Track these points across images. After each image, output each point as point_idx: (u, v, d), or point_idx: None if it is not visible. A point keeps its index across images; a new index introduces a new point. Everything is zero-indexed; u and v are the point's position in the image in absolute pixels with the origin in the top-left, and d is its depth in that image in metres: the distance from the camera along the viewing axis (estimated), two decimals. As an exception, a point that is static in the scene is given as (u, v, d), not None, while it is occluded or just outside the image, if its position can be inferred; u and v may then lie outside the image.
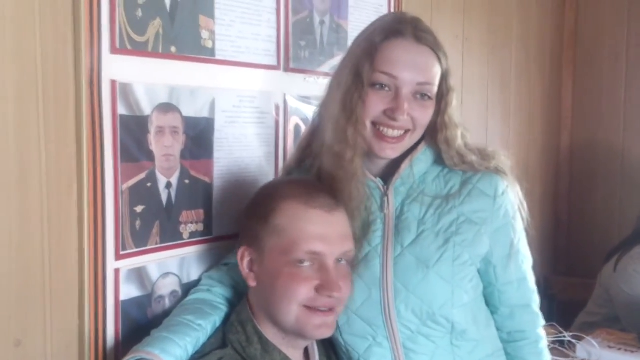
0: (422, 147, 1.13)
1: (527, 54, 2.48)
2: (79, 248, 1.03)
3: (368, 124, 1.06)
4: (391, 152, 1.08)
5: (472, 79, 2.13)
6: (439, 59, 1.08)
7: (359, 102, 1.05)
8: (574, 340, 1.69)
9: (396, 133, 1.07)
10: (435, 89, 1.08)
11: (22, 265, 0.97)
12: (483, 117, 2.22)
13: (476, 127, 2.18)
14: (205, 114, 1.23)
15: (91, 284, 1.04)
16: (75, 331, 1.04)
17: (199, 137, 1.22)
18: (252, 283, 1.06)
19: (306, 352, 1.12)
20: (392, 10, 1.70)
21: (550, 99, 2.69)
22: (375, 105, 1.05)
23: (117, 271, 1.08)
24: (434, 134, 1.11)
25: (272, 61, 1.36)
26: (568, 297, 2.49)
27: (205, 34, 1.21)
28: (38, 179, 0.98)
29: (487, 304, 1.18)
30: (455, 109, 1.12)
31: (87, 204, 1.03)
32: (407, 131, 1.07)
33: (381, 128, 1.07)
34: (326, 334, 1.05)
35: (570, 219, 2.83)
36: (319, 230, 1.02)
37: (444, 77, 1.10)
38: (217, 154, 1.25)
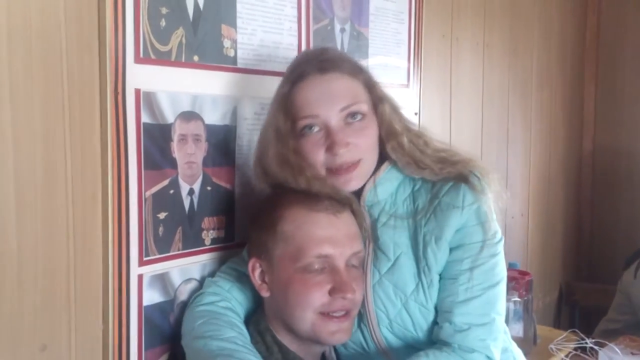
0: (386, 167, 1.09)
1: (548, 59, 2.46)
2: (104, 254, 1.05)
3: (321, 170, 1.05)
4: (354, 182, 1.06)
5: (493, 85, 2.12)
6: (353, 76, 1.05)
7: (291, 155, 1.04)
8: (596, 347, 1.67)
9: (349, 165, 1.04)
10: (363, 105, 1.05)
11: (48, 271, 0.98)
12: (504, 124, 2.21)
13: (497, 134, 2.17)
14: (227, 121, 1.24)
15: (115, 289, 1.05)
16: (99, 336, 1.05)
17: (220, 145, 1.23)
18: (265, 294, 1.06)
19: (323, 356, 1.12)
20: (413, 17, 1.70)
21: (572, 104, 2.67)
22: (315, 152, 1.04)
23: (140, 277, 1.10)
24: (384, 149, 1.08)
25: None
26: (590, 303, 2.46)
27: (227, 43, 1.23)
28: (64, 187, 1.00)
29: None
30: (394, 115, 1.08)
31: (111, 211, 1.05)
32: (359, 160, 1.05)
33: (333, 168, 1.05)
34: (342, 339, 1.05)
35: (592, 225, 2.80)
36: (327, 233, 1.02)
37: (369, 89, 1.07)
38: (238, 161, 1.26)
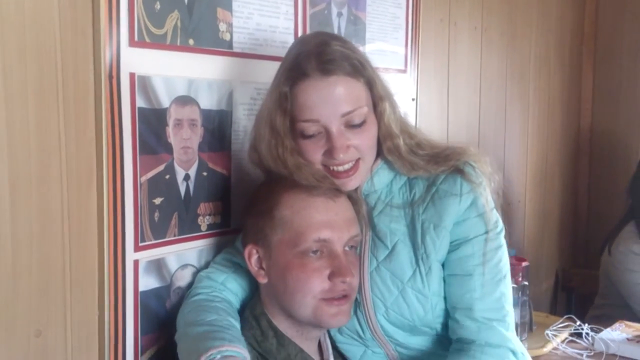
0: (380, 160, 1.09)
1: (546, 44, 2.44)
2: (99, 240, 1.04)
3: (320, 166, 1.05)
4: (352, 183, 1.06)
5: (491, 70, 2.10)
6: (355, 77, 1.03)
7: (288, 155, 1.03)
8: (592, 333, 1.67)
9: (347, 166, 1.05)
10: (364, 109, 1.03)
11: (43, 256, 0.98)
12: (502, 109, 2.20)
13: (494, 119, 2.16)
14: (223, 106, 1.23)
15: (111, 275, 1.05)
16: (95, 322, 1.05)
17: (216, 130, 1.22)
18: (262, 280, 1.06)
19: (319, 345, 1.12)
20: (410, 2, 1.68)
21: (569, 90, 2.66)
22: (314, 153, 1.04)
23: (136, 262, 1.09)
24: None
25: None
26: (587, 289, 2.47)
27: (222, 27, 1.21)
28: (58, 173, 0.99)
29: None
30: (391, 116, 1.07)
31: (106, 196, 1.04)
32: (357, 159, 1.05)
33: (331, 167, 1.05)
34: (343, 321, 1.05)
35: (589, 211, 2.80)
36: (325, 218, 1.01)
37: (370, 88, 1.06)
38: (234, 147, 1.25)
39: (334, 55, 1.02)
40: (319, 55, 1.02)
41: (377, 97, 1.07)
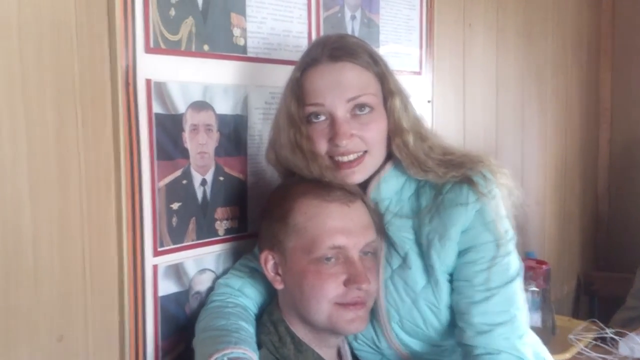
0: (390, 166, 1.07)
1: (563, 44, 2.42)
2: (118, 245, 1.05)
3: (325, 157, 1.04)
4: (356, 176, 1.03)
5: (508, 71, 2.09)
6: (366, 67, 1.02)
7: (304, 141, 1.03)
8: (616, 337, 1.64)
9: (351, 157, 1.03)
10: (371, 98, 1.02)
11: (63, 261, 0.99)
12: (519, 111, 2.18)
13: (512, 121, 2.14)
14: (238, 111, 1.23)
15: (130, 280, 1.05)
16: (116, 326, 1.06)
17: (232, 134, 1.22)
18: (279, 286, 1.05)
19: (338, 352, 1.11)
20: (424, 3, 1.68)
21: (588, 90, 2.63)
22: (319, 138, 1.03)
23: (155, 267, 1.10)
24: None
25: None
26: (609, 292, 2.43)
27: (237, 32, 1.22)
28: (77, 179, 1.00)
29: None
30: (403, 112, 1.04)
31: (124, 202, 1.05)
32: (365, 152, 1.03)
33: (336, 157, 1.03)
34: (360, 328, 1.03)
35: (610, 213, 2.76)
36: (339, 224, 1.00)
37: (382, 82, 1.04)
38: (250, 151, 1.26)
39: (346, 44, 1.04)
40: (332, 43, 1.04)
41: (388, 91, 1.05)
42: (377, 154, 1.05)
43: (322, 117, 1.03)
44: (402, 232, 1.06)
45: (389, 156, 1.08)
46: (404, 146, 1.04)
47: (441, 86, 1.79)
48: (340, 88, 1.01)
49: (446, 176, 1.03)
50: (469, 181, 1.02)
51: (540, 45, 2.27)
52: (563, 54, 2.42)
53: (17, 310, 0.94)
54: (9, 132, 0.92)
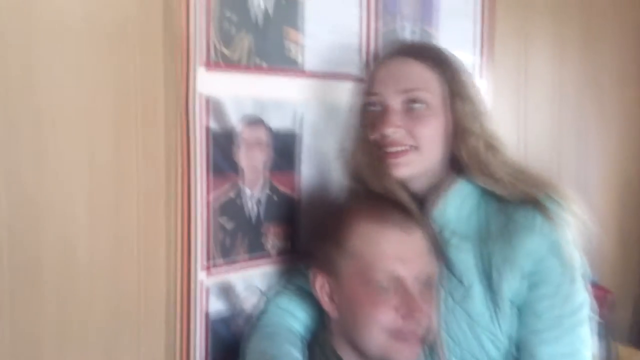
0: (455, 183, 1.03)
1: (626, 55, 2.30)
2: (169, 264, 1.04)
3: (375, 149, 1.02)
4: (400, 169, 1.00)
5: (568, 82, 2.00)
6: (430, 67, 1.01)
7: (360, 129, 1.06)
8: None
9: (398, 149, 1.00)
10: (428, 95, 0.99)
11: (117, 280, 0.99)
12: (580, 124, 2.08)
13: (572, 132, 2.05)
14: (292, 126, 1.21)
15: (180, 299, 1.05)
16: (165, 345, 1.05)
17: (285, 150, 1.20)
18: (334, 314, 1.01)
19: None
20: (484, 15, 1.62)
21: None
22: (371, 126, 1.02)
23: (204, 287, 1.08)
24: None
25: (359, 70, 1.33)
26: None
27: (293, 47, 1.20)
28: (133, 196, 1.00)
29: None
30: (470, 117, 1.01)
31: (177, 219, 1.04)
32: (412, 147, 1.00)
33: (383, 148, 1.01)
34: None
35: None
36: (397, 251, 0.96)
37: (448, 83, 1.01)
38: (303, 167, 1.23)
39: (417, 44, 1.08)
40: (405, 43, 1.09)
41: (456, 94, 1.02)
42: (427, 154, 1.01)
43: (378, 107, 1.03)
44: (465, 257, 1.01)
45: (454, 171, 1.04)
46: (473, 151, 1.01)
47: (499, 98, 1.72)
48: (396, 79, 1.01)
49: (515, 188, 0.99)
50: (540, 206, 0.97)
51: (602, 57, 2.16)
52: (626, 66, 2.30)
53: (70, 326, 0.94)
54: (68, 149, 0.93)
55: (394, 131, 0.99)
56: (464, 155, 1.02)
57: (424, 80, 1.01)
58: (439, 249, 1.03)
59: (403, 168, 1.00)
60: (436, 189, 1.04)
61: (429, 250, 1.00)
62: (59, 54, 0.91)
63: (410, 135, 0.99)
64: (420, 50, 1.05)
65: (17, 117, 0.88)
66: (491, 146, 1.02)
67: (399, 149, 1.00)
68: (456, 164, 1.04)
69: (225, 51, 1.08)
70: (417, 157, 1.00)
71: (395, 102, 1.00)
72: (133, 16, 0.98)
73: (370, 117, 1.04)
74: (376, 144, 1.02)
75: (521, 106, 1.82)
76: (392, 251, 0.96)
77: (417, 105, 0.99)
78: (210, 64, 1.06)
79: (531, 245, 0.96)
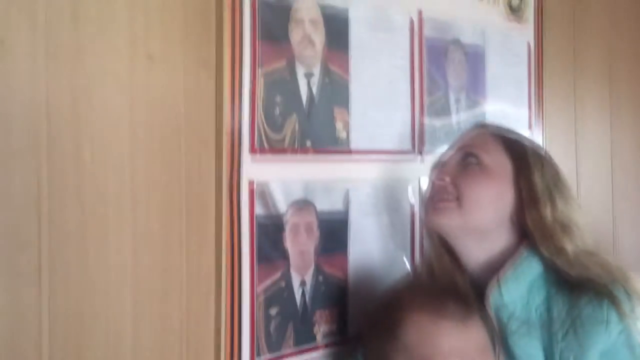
0: (521, 250, 0.97)
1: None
2: (215, 355, 1.00)
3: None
4: (437, 215, 1.00)
5: (623, 142, 1.92)
6: (496, 136, 1.03)
7: None
8: None
9: (441, 196, 1.00)
10: (484, 155, 1.00)
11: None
12: (635, 189, 1.99)
13: (630, 201, 1.96)
14: (339, 207, 1.18)
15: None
16: None
17: (333, 232, 1.17)
18: None
19: None
20: (532, 82, 1.59)
21: None
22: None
23: (252, 379, 1.04)
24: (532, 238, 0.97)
25: (407, 146, 1.30)
26: None
27: (339, 125, 1.18)
28: (179, 286, 0.97)
29: None
30: (540, 186, 0.98)
31: (224, 309, 1.00)
32: (455, 198, 0.98)
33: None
34: None
35: None
36: (454, 345, 0.91)
37: (514, 153, 1.01)
38: (351, 249, 1.19)
39: (493, 123, 1.11)
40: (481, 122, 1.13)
41: (524, 165, 1.00)
42: (469, 210, 0.98)
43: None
44: (529, 348, 0.95)
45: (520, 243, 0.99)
46: (538, 219, 0.97)
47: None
48: (462, 142, 1.05)
49: (582, 270, 0.94)
50: (609, 296, 0.92)
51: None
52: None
53: None
54: (115, 240, 0.91)
55: (441, 179, 1.01)
56: (529, 224, 0.98)
57: (485, 142, 1.02)
58: (499, 340, 0.97)
59: (440, 215, 1.00)
60: (496, 263, 0.99)
61: (487, 344, 0.94)
62: (107, 147, 0.90)
63: (455, 186, 0.99)
64: (494, 126, 1.08)
65: (63, 216, 0.86)
66: (560, 219, 0.98)
67: (442, 196, 1.00)
68: (525, 240, 0.99)
69: (272, 134, 1.07)
70: (457, 210, 0.98)
71: (452, 158, 1.02)
72: (188, 105, 0.98)
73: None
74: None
75: (572, 171, 1.76)
76: (448, 345, 0.91)
77: (470, 160, 1.00)
78: (256, 150, 1.04)
79: (600, 338, 0.91)
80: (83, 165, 0.88)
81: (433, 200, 1.01)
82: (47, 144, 0.84)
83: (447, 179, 1.00)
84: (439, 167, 1.04)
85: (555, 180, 1.01)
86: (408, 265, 1.27)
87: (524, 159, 1.00)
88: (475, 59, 1.45)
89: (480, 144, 1.02)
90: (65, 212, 0.86)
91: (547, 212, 0.97)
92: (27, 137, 0.83)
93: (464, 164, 1.00)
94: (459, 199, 0.98)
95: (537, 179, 0.99)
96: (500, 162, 1.00)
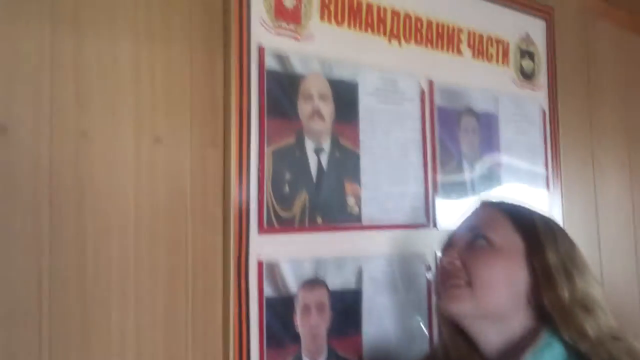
0: (541, 333, 0.91)
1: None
2: None
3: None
4: (450, 302, 0.92)
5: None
6: (505, 214, 0.96)
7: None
8: None
9: (452, 282, 0.93)
10: (495, 235, 0.93)
11: None
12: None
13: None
14: (352, 285, 1.13)
15: None
16: None
17: (346, 311, 1.11)
18: None
19: None
20: (549, 147, 1.55)
21: None
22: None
23: None
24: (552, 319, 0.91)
25: (421, 219, 1.26)
26: None
27: (351, 200, 1.15)
28: (184, 375, 0.93)
29: None
30: (557, 267, 0.92)
31: (231, 399, 0.95)
32: (466, 283, 0.92)
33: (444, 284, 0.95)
34: None
35: None
36: None
37: (526, 232, 0.94)
38: (365, 328, 1.14)
39: (507, 201, 1.01)
40: (495, 200, 1.02)
41: (537, 243, 0.94)
42: (481, 294, 0.92)
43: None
44: None
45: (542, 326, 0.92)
46: (556, 299, 0.90)
47: (570, 229, 1.61)
48: (472, 223, 0.98)
49: (603, 351, 0.87)
50: None
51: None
52: None
53: None
54: (117, 326, 0.87)
55: (450, 262, 0.94)
56: (547, 306, 0.91)
57: (493, 221, 0.96)
58: None
59: (452, 302, 0.93)
60: (516, 348, 0.93)
61: None
62: (111, 232, 0.88)
63: (465, 269, 0.93)
64: (505, 204, 1.00)
65: (65, 295, 0.83)
66: (579, 299, 0.91)
67: (453, 282, 0.94)
68: (545, 323, 0.93)
69: (281, 212, 1.04)
70: (469, 295, 0.92)
71: (461, 240, 0.96)
72: (194, 183, 0.96)
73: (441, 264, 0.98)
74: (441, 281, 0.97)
75: (594, 233, 1.70)
76: None
77: (479, 242, 0.94)
78: (265, 228, 1.01)
79: None
80: (85, 250, 0.85)
81: (445, 286, 0.95)
82: (49, 232, 0.82)
83: (457, 262, 0.94)
84: (448, 249, 0.99)
85: (570, 255, 0.96)
86: (426, 347, 1.21)
87: (535, 235, 0.95)
88: (488, 126, 1.42)
89: (488, 223, 0.97)
90: (67, 299, 0.83)
91: (565, 293, 0.90)
92: (29, 225, 0.81)
93: (473, 245, 0.95)
94: (470, 283, 0.93)
95: (551, 256, 0.93)
96: (510, 241, 0.95)
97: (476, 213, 1.00)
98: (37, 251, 0.81)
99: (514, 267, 0.94)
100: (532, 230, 0.96)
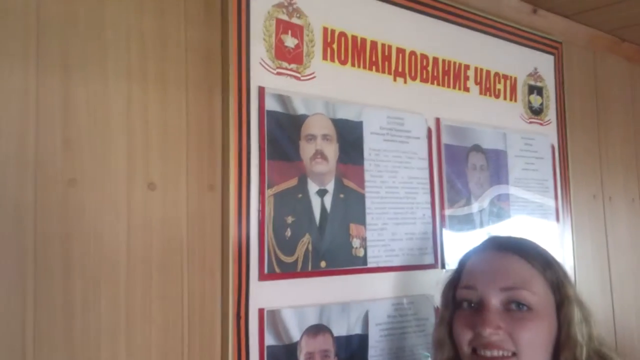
0: None
1: None
2: None
3: (467, 349, 0.89)
4: None
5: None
6: (533, 265, 0.90)
7: (450, 329, 0.92)
8: None
9: (495, 353, 0.86)
10: (531, 296, 0.88)
11: None
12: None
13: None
14: (358, 330, 1.09)
15: None
16: None
17: (352, 358, 1.07)
18: None
19: None
20: (558, 183, 1.51)
21: None
22: (463, 328, 0.89)
23: None
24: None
25: (430, 260, 1.22)
26: None
27: (356, 243, 1.11)
28: None
29: None
30: (579, 325, 0.89)
31: None
32: (513, 354, 0.86)
33: (479, 351, 0.88)
34: None
35: None
36: None
37: (556, 288, 0.91)
38: (372, 377, 1.09)
39: (516, 240, 0.95)
40: (501, 239, 0.97)
41: (565, 298, 0.91)
42: None
43: (473, 305, 0.91)
44: None
45: None
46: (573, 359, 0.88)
47: (583, 270, 1.56)
48: (497, 275, 0.91)
49: None
50: None
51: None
52: None
53: None
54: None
55: (494, 333, 0.87)
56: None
57: (527, 279, 0.91)
58: None
59: None
60: None
61: None
62: (102, 283, 0.84)
63: (510, 339, 0.88)
64: (520, 246, 0.94)
65: (51, 355, 0.79)
66: (595, 350, 0.90)
67: (498, 353, 0.87)
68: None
69: (283, 257, 1.00)
70: None
71: (495, 300, 0.89)
72: (190, 232, 0.92)
73: (463, 314, 0.91)
74: (470, 346, 0.89)
75: (604, 269, 1.65)
76: None
77: (520, 308, 0.89)
78: (264, 274, 0.97)
79: None
80: (73, 305, 0.81)
81: (487, 357, 0.88)
82: (33, 285, 0.78)
83: (501, 332, 0.88)
84: (482, 311, 0.90)
85: (585, 314, 0.92)
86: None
87: (561, 285, 0.91)
88: (497, 163, 1.39)
89: (521, 282, 0.90)
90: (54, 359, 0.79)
91: (583, 355, 0.88)
92: (12, 277, 0.77)
93: (510, 309, 0.89)
94: (516, 354, 0.88)
95: (575, 314, 0.90)
96: (545, 299, 0.91)
97: (502, 265, 0.92)
98: (21, 306, 0.77)
99: (551, 326, 0.91)
100: (557, 279, 0.92)
